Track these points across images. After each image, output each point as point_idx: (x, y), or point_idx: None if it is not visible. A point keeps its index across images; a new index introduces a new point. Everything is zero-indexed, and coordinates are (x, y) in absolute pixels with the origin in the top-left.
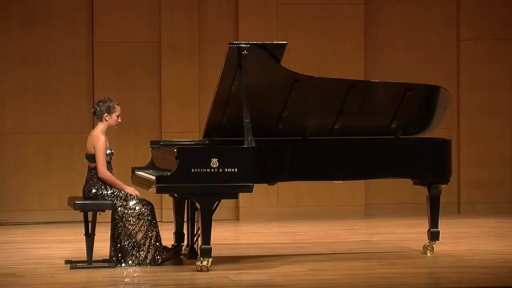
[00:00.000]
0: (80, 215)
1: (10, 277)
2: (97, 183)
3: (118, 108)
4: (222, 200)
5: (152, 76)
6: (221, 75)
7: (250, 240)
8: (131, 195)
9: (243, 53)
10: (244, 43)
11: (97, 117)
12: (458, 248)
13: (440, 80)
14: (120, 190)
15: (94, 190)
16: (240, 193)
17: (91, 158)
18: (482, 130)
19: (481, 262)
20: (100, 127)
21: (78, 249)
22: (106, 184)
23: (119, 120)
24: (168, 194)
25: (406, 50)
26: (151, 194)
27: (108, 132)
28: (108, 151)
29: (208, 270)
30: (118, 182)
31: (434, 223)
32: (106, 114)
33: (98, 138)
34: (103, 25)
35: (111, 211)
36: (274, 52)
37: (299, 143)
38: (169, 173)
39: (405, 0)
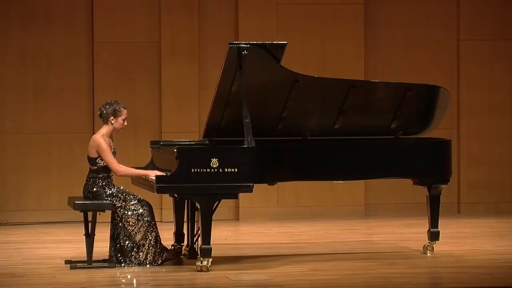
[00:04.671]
0: (80, 215)
1: (10, 277)
2: (97, 183)
3: (124, 112)
4: (222, 200)
5: (152, 76)
6: (221, 75)
7: (250, 240)
8: (130, 195)
9: (243, 53)
10: (244, 43)
11: (103, 119)
12: (458, 248)
13: (440, 80)
14: (119, 191)
15: (94, 190)
16: (240, 193)
17: (91, 161)
18: (482, 130)
19: (481, 262)
20: (104, 130)
21: (78, 249)
22: (106, 184)
23: (125, 124)
24: (168, 194)
25: (406, 50)
26: (151, 194)
27: (114, 134)
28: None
29: (208, 270)
30: (135, 172)
31: (434, 223)
32: (112, 118)
33: (98, 143)
34: (103, 25)
35: (111, 211)
36: (274, 52)
37: (299, 143)
38: (169, 173)
39: (405, 0)
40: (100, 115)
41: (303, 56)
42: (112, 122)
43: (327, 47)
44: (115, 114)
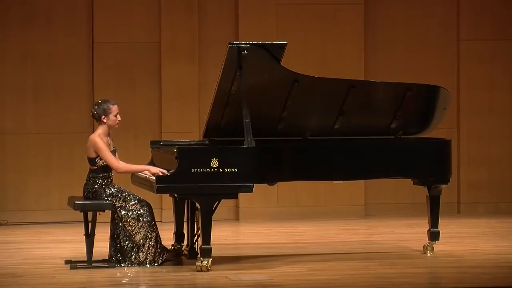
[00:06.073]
0: (80, 215)
1: (10, 277)
2: (97, 183)
3: (114, 108)
4: (222, 200)
5: (152, 76)
6: (221, 75)
7: (250, 240)
8: (130, 195)
9: (243, 53)
10: (244, 43)
11: (96, 120)
12: (458, 248)
13: (440, 80)
14: (119, 191)
15: (94, 190)
16: (240, 193)
17: (90, 161)
18: (482, 130)
19: (481, 262)
20: (100, 130)
21: (78, 249)
22: (106, 184)
23: (119, 119)
24: (168, 194)
25: (406, 50)
26: (151, 194)
27: (111, 131)
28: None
29: (208, 270)
30: (136, 167)
31: (434, 223)
32: (103, 116)
33: (95, 142)
34: (103, 25)
35: (111, 211)
36: (274, 52)
37: (299, 143)
38: (169, 173)
39: (405, 0)
40: (93, 116)
41: (303, 56)
42: (105, 120)
43: (327, 47)
44: (105, 112)
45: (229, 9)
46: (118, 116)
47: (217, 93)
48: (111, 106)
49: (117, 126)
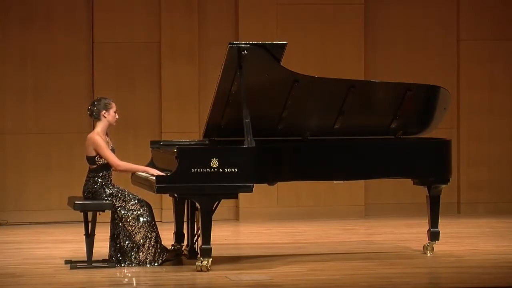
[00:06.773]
0: (80, 215)
1: (10, 277)
2: (97, 182)
3: (113, 104)
4: (222, 200)
5: (152, 76)
6: (221, 75)
7: (250, 240)
8: (130, 195)
9: (243, 53)
10: (244, 43)
11: (95, 117)
12: (458, 248)
13: (440, 80)
14: (119, 191)
15: (94, 190)
16: (240, 193)
17: (89, 160)
18: (482, 130)
19: (481, 262)
20: (99, 128)
21: (78, 249)
22: (105, 184)
23: (117, 116)
24: (168, 194)
25: (406, 50)
26: (151, 194)
27: (109, 130)
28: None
29: (208, 270)
30: (136, 167)
31: (434, 223)
32: (104, 112)
33: (94, 140)
34: (103, 25)
35: (111, 211)
36: (274, 52)
37: (299, 143)
38: (169, 173)
39: (405, 0)
40: (91, 114)
41: (303, 56)
42: (105, 116)
43: (327, 47)
44: (106, 107)
45: (229, 9)
46: (116, 113)
47: (217, 93)
48: (111, 102)
49: (115, 123)
